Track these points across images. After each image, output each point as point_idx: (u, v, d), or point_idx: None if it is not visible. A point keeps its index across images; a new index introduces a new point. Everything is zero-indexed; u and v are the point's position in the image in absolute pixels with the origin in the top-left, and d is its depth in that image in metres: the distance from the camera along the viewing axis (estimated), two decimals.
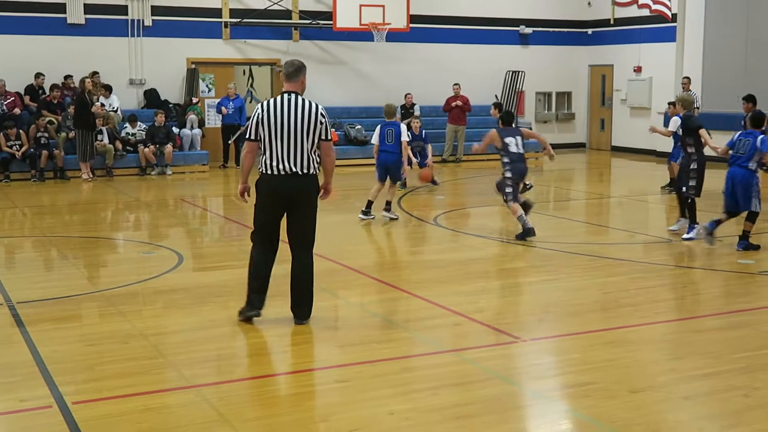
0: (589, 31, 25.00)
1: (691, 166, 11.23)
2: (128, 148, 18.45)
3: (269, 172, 6.81)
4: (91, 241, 11.26)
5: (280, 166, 6.76)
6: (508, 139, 11.06)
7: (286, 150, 6.74)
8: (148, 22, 20.10)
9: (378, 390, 5.65)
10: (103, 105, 18.24)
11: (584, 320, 7.42)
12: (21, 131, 17.41)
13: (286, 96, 6.83)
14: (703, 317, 7.53)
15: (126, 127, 18.72)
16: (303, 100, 6.82)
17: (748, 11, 21.04)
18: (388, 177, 12.40)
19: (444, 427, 5.08)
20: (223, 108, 19.66)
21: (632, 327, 7.19)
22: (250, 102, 23.74)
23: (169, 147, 18.44)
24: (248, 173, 7.04)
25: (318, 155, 6.90)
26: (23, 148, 17.26)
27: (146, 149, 18.29)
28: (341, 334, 7.14)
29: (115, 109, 19.11)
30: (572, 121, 25.47)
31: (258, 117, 6.81)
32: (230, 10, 20.89)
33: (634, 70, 23.57)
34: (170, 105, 20.13)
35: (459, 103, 20.73)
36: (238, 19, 20.84)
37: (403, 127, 12.63)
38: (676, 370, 6.11)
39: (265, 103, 6.86)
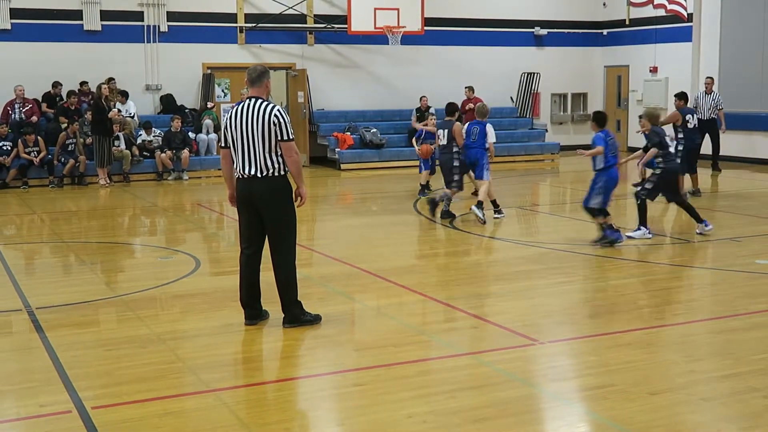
0: (605, 31, 24.92)
1: (655, 171, 11.42)
2: (145, 153, 18.54)
3: (237, 176, 7.01)
4: (109, 247, 11.32)
5: (241, 170, 6.91)
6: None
7: (245, 154, 6.87)
8: (163, 28, 20.21)
9: (396, 393, 5.65)
10: (119, 111, 18.34)
11: (602, 322, 7.40)
12: (39, 138, 17.53)
13: (248, 101, 6.94)
14: (722, 318, 7.48)
15: (141, 134, 18.81)
16: (261, 103, 6.89)
17: (764, 9, 20.91)
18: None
19: (462, 429, 5.08)
20: None
21: (650, 329, 7.16)
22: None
23: (185, 152, 18.52)
24: (231, 179, 7.12)
25: (280, 158, 6.90)
26: (41, 155, 17.37)
27: (163, 154, 18.37)
28: (358, 338, 7.14)
29: (132, 114, 19.22)
30: (588, 123, 25.36)
31: (225, 123, 7.00)
32: (245, 14, 20.97)
33: (650, 71, 23.48)
34: (186, 110, 20.22)
35: (471, 105, 20.64)
36: (253, 24, 20.91)
37: (489, 126, 12.90)
38: (695, 371, 6.08)
39: (231, 110, 7.02)
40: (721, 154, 20.20)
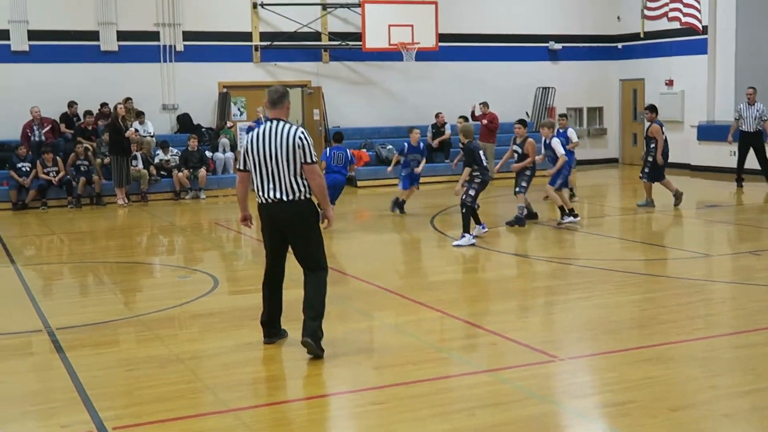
0: (619, 45, 24.89)
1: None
2: (162, 172, 18.65)
3: (259, 201, 6.86)
4: (127, 266, 11.37)
5: (266, 194, 6.76)
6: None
7: (270, 177, 6.72)
8: (179, 48, 20.35)
9: (415, 411, 5.64)
10: (137, 130, 18.46)
11: (621, 338, 7.36)
12: (57, 158, 17.66)
13: (269, 123, 6.80)
14: (743, 333, 7.42)
15: (158, 153, 18.92)
16: (284, 125, 6.76)
17: None
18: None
19: None
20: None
21: (671, 344, 7.11)
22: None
23: (202, 171, 18.61)
24: (244, 201, 7.08)
25: (305, 180, 6.77)
26: (60, 175, 17.50)
27: (180, 174, 18.47)
28: (376, 356, 7.13)
29: (151, 134, 19.35)
30: (604, 137, 25.33)
31: (245, 147, 6.85)
32: (260, 33, 21.10)
33: (666, 84, 23.42)
34: (203, 129, 20.32)
35: (484, 121, 20.58)
36: (269, 42, 21.03)
37: (555, 139, 13.64)
38: (717, 387, 6.03)
39: (251, 133, 6.86)
40: (734, 166, 20.12)
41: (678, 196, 15.24)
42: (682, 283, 9.42)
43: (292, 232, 6.84)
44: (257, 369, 6.76)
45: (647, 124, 15.84)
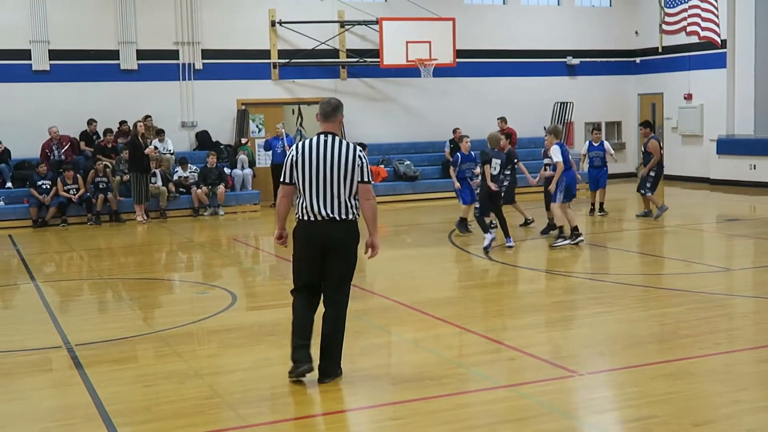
0: (637, 59, 24.85)
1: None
2: (181, 189, 18.73)
3: (305, 218, 6.38)
4: (146, 283, 11.40)
5: (316, 211, 6.31)
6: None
7: (322, 194, 6.30)
8: (198, 66, 20.49)
9: (434, 427, 5.60)
10: (156, 148, 18.57)
11: (642, 352, 7.30)
12: (78, 175, 17.78)
13: (322, 137, 6.41)
14: (765, 347, 7.35)
15: (177, 170, 19.02)
16: (340, 140, 6.40)
17: None
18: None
19: None
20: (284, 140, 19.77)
21: (692, 358, 7.04)
22: (300, 141, 23.94)
23: (221, 188, 18.68)
24: (285, 218, 6.63)
25: (357, 201, 6.43)
26: (80, 192, 17.61)
27: (199, 190, 18.54)
28: (395, 371, 7.10)
29: (172, 151, 19.46)
30: (623, 151, 25.23)
31: (292, 159, 6.39)
32: (278, 50, 21.21)
33: (685, 98, 23.34)
34: (221, 146, 20.42)
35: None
36: (287, 60, 21.14)
37: (555, 147, 12.98)
38: (739, 401, 5.96)
39: (299, 144, 6.47)
40: (763, 180, 20.01)
41: (649, 214, 15.75)
42: (702, 298, 9.34)
43: (336, 252, 6.40)
44: (276, 384, 6.73)
45: (644, 140, 16.02)
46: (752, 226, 15.11)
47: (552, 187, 12.88)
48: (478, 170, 13.75)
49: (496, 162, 12.81)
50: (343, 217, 6.35)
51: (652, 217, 15.55)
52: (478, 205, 12.94)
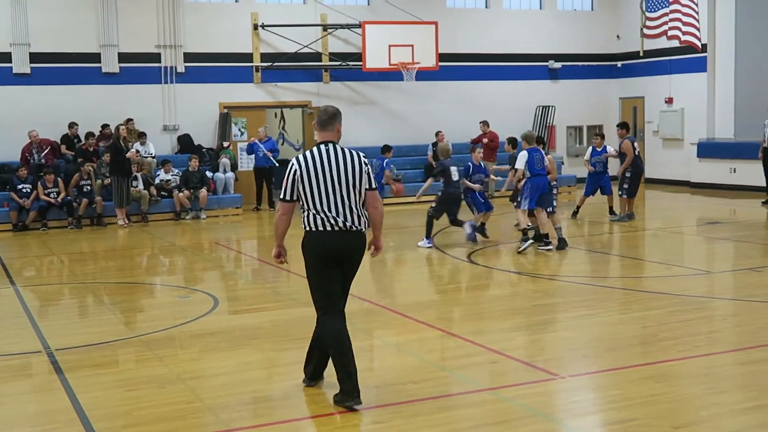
0: (619, 63, 24.98)
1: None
2: (163, 193, 18.66)
3: (321, 228, 6.07)
4: (127, 287, 11.35)
5: (331, 222, 6.05)
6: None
7: (333, 205, 6.05)
8: (180, 69, 20.42)
9: (416, 430, 5.61)
10: (138, 151, 18.49)
11: (624, 355, 7.33)
12: (59, 179, 17.68)
13: (323, 147, 6.17)
14: (745, 350, 7.40)
15: (159, 173, 18.95)
16: (342, 149, 6.19)
17: None
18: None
19: None
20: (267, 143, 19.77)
21: (673, 361, 7.08)
22: (282, 144, 23.94)
23: (203, 191, 18.62)
24: (283, 236, 6.36)
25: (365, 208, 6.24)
26: (60, 196, 17.50)
27: (180, 194, 18.48)
28: (378, 374, 7.10)
29: (153, 155, 19.39)
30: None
31: (295, 173, 6.09)
32: (261, 54, 21.17)
33: (666, 102, 23.48)
34: (203, 150, 20.36)
35: (485, 140, 20.66)
36: (269, 63, 21.10)
37: (522, 152, 13.01)
38: (720, 404, 6.00)
39: (300, 157, 6.17)
40: (743, 183, 20.15)
41: (631, 216, 15.90)
42: (683, 300, 9.39)
43: (351, 263, 6.23)
44: (258, 389, 6.72)
45: (620, 140, 16.14)
46: (732, 229, 15.21)
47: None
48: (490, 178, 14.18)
49: (453, 169, 13.55)
50: (358, 226, 6.13)
51: (626, 221, 15.67)
52: (434, 205, 13.65)
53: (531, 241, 12.78)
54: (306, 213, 6.14)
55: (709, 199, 20.13)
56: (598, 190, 16.20)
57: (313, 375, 6.59)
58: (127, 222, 17.62)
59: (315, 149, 6.19)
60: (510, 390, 6.43)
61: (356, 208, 6.13)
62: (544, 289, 10.60)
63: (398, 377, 6.79)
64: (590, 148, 16.67)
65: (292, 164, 6.16)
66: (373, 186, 6.25)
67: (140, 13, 20.05)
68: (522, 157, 12.80)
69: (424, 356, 7.49)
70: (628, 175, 15.76)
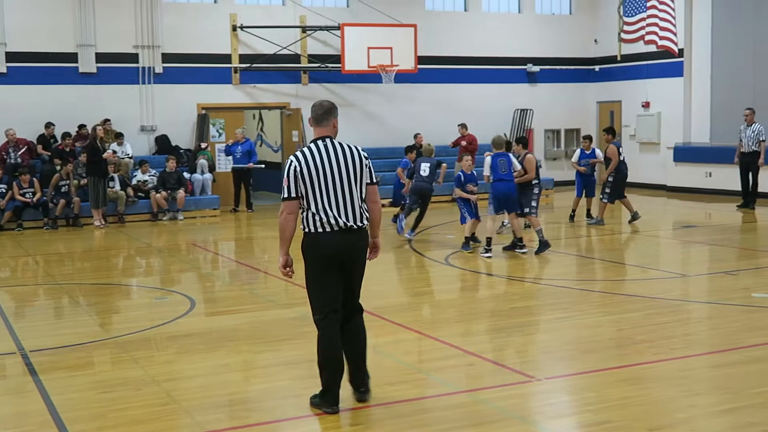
0: (597, 67, 25.11)
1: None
2: (140, 194, 18.56)
3: (320, 229, 5.87)
4: (103, 288, 11.27)
5: (332, 221, 5.84)
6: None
7: (334, 202, 5.86)
8: (158, 70, 20.32)
9: None
10: (115, 152, 18.38)
11: (599, 358, 7.36)
12: (34, 179, 17.54)
13: (320, 142, 5.97)
14: (720, 352, 7.45)
15: (136, 174, 18.85)
16: (340, 144, 6.01)
17: (754, 44, 21.14)
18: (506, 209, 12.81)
19: None
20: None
21: (648, 364, 7.12)
22: (260, 146, 23.88)
23: (180, 192, 18.54)
24: (291, 240, 5.98)
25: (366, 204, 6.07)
26: (36, 196, 17.37)
27: (158, 195, 18.38)
28: None
29: (130, 155, 19.28)
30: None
31: (295, 170, 5.86)
32: (239, 55, 21.11)
33: (643, 106, 23.63)
34: (181, 150, 20.27)
35: (464, 143, 20.75)
36: (248, 65, 21.05)
37: (512, 156, 12.94)
38: (695, 406, 6.04)
39: (298, 153, 5.94)
40: (718, 188, 20.31)
41: (636, 216, 15.96)
42: (659, 303, 9.45)
43: (356, 262, 6.03)
44: (234, 390, 6.70)
45: (606, 145, 16.27)
46: (708, 232, 15.33)
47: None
48: (473, 187, 13.57)
49: (424, 165, 14.44)
50: (359, 224, 5.93)
51: (598, 223, 15.79)
52: (407, 200, 14.65)
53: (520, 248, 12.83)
54: (304, 213, 5.94)
55: (685, 202, 20.28)
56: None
57: (355, 383, 6.22)
58: (103, 223, 17.51)
59: (312, 145, 5.99)
60: (486, 392, 6.44)
61: (357, 205, 5.94)
62: (521, 291, 10.64)
63: (375, 379, 6.77)
64: (578, 150, 16.72)
65: (291, 161, 5.94)
66: (374, 180, 6.09)
67: (118, 13, 19.94)
68: (486, 163, 12.76)
69: (401, 358, 7.49)
70: (610, 179, 15.85)
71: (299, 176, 5.87)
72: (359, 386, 6.19)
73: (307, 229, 5.93)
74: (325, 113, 6.07)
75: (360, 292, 6.18)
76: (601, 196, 16.03)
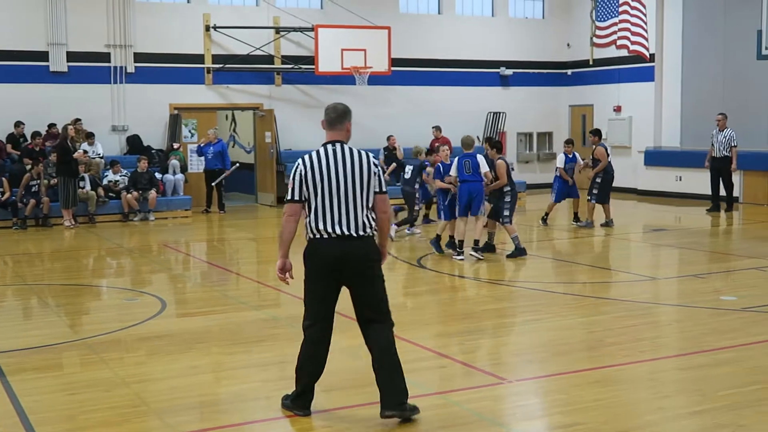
0: (569, 71, 25.27)
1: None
2: (111, 194, 18.42)
3: (319, 236, 5.76)
4: (73, 289, 11.17)
5: (330, 228, 5.72)
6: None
7: (336, 208, 5.72)
8: (130, 69, 20.19)
9: None
10: (86, 152, 18.23)
11: (570, 360, 7.40)
12: (3, 178, 17.35)
13: (330, 147, 5.84)
14: (688, 355, 7.52)
15: (107, 174, 18.71)
16: (351, 149, 5.86)
17: (725, 50, 21.37)
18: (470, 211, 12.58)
19: None
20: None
21: (618, 366, 7.17)
22: (233, 146, 23.78)
23: (152, 193, 18.42)
24: (290, 243, 5.92)
25: (373, 213, 5.87)
26: (5, 196, 17.18)
27: (129, 195, 18.25)
28: (325, 379, 7.03)
29: (101, 155, 19.13)
30: (553, 161, 25.51)
31: (301, 174, 5.77)
32: (212, 55, 21.02)
33: (614, 110, 23.81)
34: (153, 151, 20.15)
35: (437, 145, 20.78)
36: (221, 65, 20.96)
37: (481, 158, 12.68)
38: (663, 408, 6.09)
39: (306, 157, 5.83)
40: (688, 191, 20.51)
41: (609, 223, 15.99)
42: (629, 306, 9.52)
43: (360, 274, 5.84)
44: (204, 393, 6.66)
45: (593, 147, 16.34)
46: (677, 236, 15.46)
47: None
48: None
49: (408, 168, 15.07)
50: (360, 232, 5.75)
51: (584, 226, 15.87)
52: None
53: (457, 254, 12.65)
54: (307, 219, 5.82)
55: (656, 206, 20.45)
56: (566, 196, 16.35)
57: (386, 401, 5.86)
58: (73, 223, 17.36)
59: (321, 149, 5.86)
60: (457, 394, 6.46)
61: (361, 214, 5.76)
62: (493, 294, 10.67)
63: (347, 381, 6.78)
64: (561, 155, 16.52)
65: (297, 164, 5.84)
66: (384, 189, 5.88)
67: (90, 12, 19.78)
68: (453, 164, 12.69)
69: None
70: (598, 180, 15.91)
71: (304, 180, 5.77)
72: (396, 409, 5.73)
73: (308, 235, 5.85)
74: (338, 117, 5.97)
75: (380, 303, 5.96)
76: (588, 197, 16.05)
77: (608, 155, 16.00)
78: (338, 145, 5.88)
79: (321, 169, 5.76)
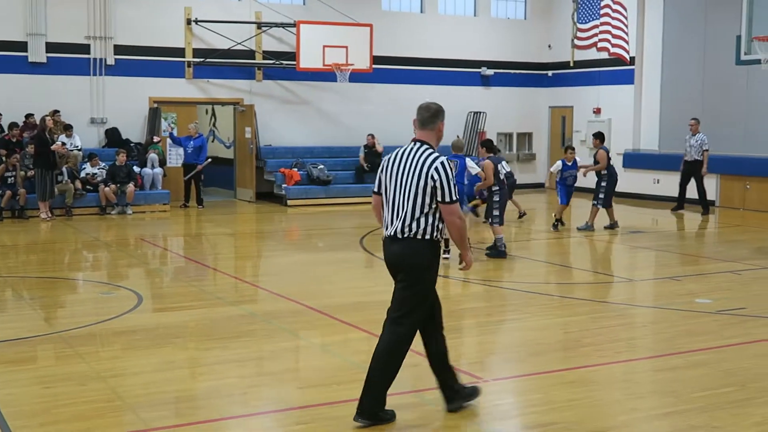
0: (550, 73, 25.37)
1: None
2: (88, 187, 18.30)
3: (384, 232, 5.82)
4: (48, 282, 11.09)
5: (384, 228, 5.78)
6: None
7: (390, 207, 5.70)
8: (110, 61, 20.05)
9: None
10: (64, 144, 18.10)
11: (546, 360, 7.44)
12: None
13: (410, 145, 5.77)
14: (663, 356, 7.58)
15: (85, 167, 18.58)
16: (424, 150, 5.68)
17: (704, 53, 21.52)
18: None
19: None
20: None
21: (594, 366, 7.22)
22: (212, 141, 23.69)
23: (130, 186, 18.32)
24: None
25: (439, 219, 5.69)
26: None
27: (107, 188, 18.14)
28: (302, 375, 7.08)
29: (79, 147, 18.99)
30: (533, 162, 25.73)
31: (381, 167, 5.84)
32: (193, 49, 20.92)
33: (594, 112, 23.92)
34: (132, 144, 20.03)
35: None
36: (202, 59, 20.87)
37: (469, 160, 12.82)
38: (637, 409, 6.13)
39: (392, 152, 5.85)
40: (665, 194, 20.68)
41: (614, 226, 16.08)
42: (605, 307, 9.58)
43: (400, 272, 5.78)
44: (180, 388, 6.63)
45: (594, 150, 16.30)
46: (654, 238, 15.57)
47: None
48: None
49: None
50: (404, 234, 5.63)
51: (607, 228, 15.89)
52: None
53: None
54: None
55: (633, 208, 20.55)
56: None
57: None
58: (50, 215, 17.23)
59: (404, 146, 5.82)
60: (433, 392, 6.46)
61: (409, 216, 5.61)
62: (471, 293, 10.70)
63: (323, 378, 6.78)
64: (560, 161, 16.26)
65: (384, 157, 5.92)
66: (447, 199, 5.58)
67: (70, 3, 19.62)
68: None
69: (350, 358, 7.49)
70: (603, 184, 15.82)
71: (379, 174, 5.85)
72: (358, 405, 5.74)
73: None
74: (432, 116, 5.84)
75: (399, 304, 5.86)
76: (594, 201, 15.94)
77: (609, 159, 15.98)
78: (416, 145, 5.76)
79: (390, 167, 5.75)
